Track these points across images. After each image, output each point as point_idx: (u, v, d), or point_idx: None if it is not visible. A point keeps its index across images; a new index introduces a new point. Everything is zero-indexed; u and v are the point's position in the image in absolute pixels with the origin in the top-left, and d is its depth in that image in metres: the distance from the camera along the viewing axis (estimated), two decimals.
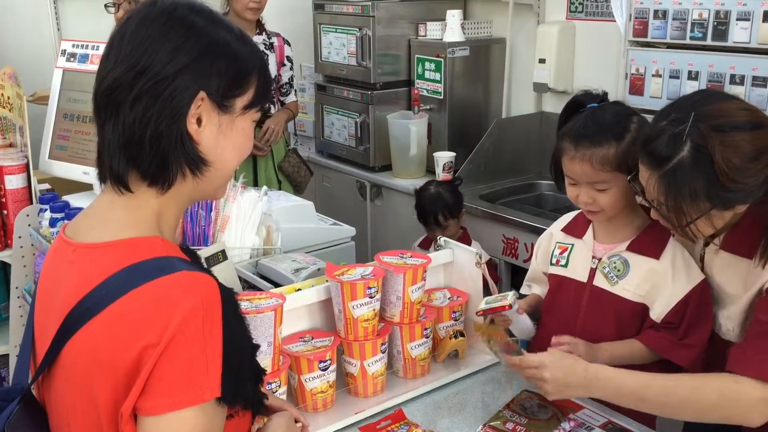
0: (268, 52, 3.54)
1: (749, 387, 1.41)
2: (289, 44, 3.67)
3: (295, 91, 3.78)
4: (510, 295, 1.74)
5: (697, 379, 1.48)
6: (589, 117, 1.67)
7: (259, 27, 3.56)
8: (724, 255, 1.60)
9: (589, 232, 1.79)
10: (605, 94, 1.74)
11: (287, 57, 3.66)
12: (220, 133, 1.07)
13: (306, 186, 3.77)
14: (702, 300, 1.64)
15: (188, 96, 1.02)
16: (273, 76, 3.53)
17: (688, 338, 1.63)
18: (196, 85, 1.03)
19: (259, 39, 3.51)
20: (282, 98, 3.69)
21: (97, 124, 1.07)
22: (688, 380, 1.48)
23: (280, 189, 3.47)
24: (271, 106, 3.59)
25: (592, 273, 1.75)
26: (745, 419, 1.44)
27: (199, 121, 1.05)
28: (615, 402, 1.53)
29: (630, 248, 1.71)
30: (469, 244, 2.84)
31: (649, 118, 1.57)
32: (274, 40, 3.60)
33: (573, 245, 1.82)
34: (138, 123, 1.01)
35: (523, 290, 2.00)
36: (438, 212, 2.92)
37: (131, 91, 1.01)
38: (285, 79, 3.67)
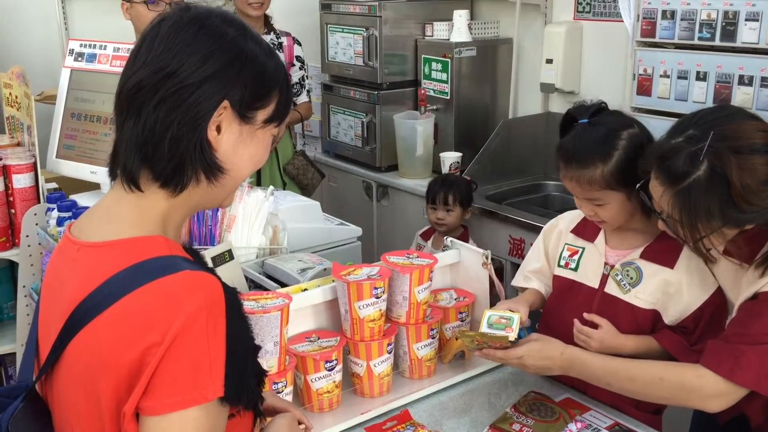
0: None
1: (711, 382, 1.48)
2: (299, 44, 3.64)
3: (308, 92, 3.74)
4: (515, 322, 1.64)
5: (662, 370, 1.55)
6: (577, 136, 1.65)
7: (268, 26, 3.54)
8: (723, 260, 1.59)
9: (601, 236, 1.77)
10: (601, 104, 1.70)
11: (297, 57, 3.62)
12: (239, 143, 1.08)
13: (315, 188, 3.74)
14: (717, 309, 1.64)
15: (212, 104, 1.03)
16: None
17: (700, 344, 1.62)
18: (220, 93, 1.03)
19: (266, 38, 3.49)
20: (293, 99, 3.66)
21: (116, 121, 1.08)
22: (654, 370, 1.55)
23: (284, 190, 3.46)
24: None
25: (604, 279, 1.74)
26: (703, 408, 1.53)
27: (218, 129, 1.05)
28: (588, 382, 1.63)
29: (643, 256, 1.70)
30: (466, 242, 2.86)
31: (654, 120, 1.56)
32: (283, 39, 3.58)
33: (584, 249, 1.80)
34: (159, 125, 1.02)
35: (519, 282, 1.95)
36: (450, 192, 2.98)
37: (156, 93, 1.02)
38: (295, 79, 3.63)
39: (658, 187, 1.46)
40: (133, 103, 1.03)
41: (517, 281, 1.96)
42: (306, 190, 3.65)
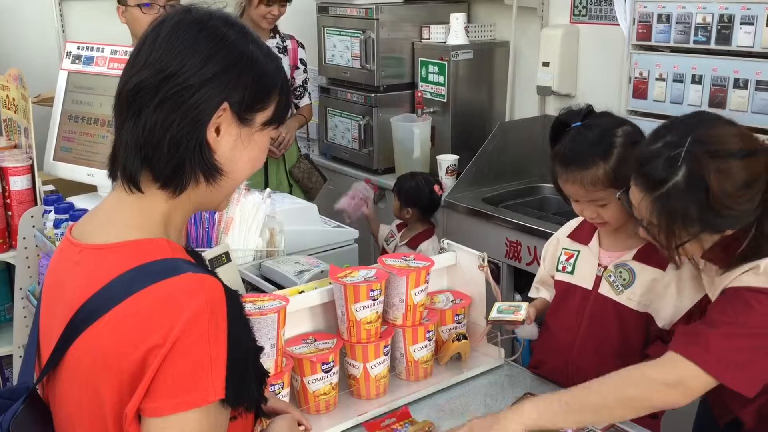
0: (281, 55, 3.51)
1: (669, 364, 1.41)
2: (303, 47, 3.65)
3: (309, 94, 3.75)
4: (524, 309, 1.76)
5: (623, 371, 1.46)
6: (573, 139, 1.66)
7: (273, 30, 3.54)
8: (704, 265, 1.59)
9: (595, 238, 1.78)
10: (589, 107, 1.71)
11: (301, 60, 3.63)
12: (237, 145, 1.09)
13: (317, 192, 3.74)
14: None
15: (212, 106, 1.04)
16: None
17: None
18: (220, 95, 1.04)
19: (272, 42, 3.49)
20: (296, 101, 3.66)
21: (116, 122, 1.08)
22: (616, 377, 1.46)
23: (290, 193, 3.46)
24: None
25: (598, 280, 1.75)
26: (665, 402, 1.45)
27: (218, 131, 1.06)
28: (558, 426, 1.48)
29: (636, 258, 1.71)
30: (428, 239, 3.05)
31: (649, 122, 1.56)
32: (288, 42, 3.58)
33: (579, 252, 1.81)
34: (159, 126, 1.02)
35: (532, 293, 1.99)
36: (394, 188, 3.19)
37: (156, 94, 1.02)
38: (298, 82, 3.64)
39: (637, 193, 1.45)
40: (133, 104, 1.04)
41: (532, 293, 1.99)
42: (309, 194, 3.66)
